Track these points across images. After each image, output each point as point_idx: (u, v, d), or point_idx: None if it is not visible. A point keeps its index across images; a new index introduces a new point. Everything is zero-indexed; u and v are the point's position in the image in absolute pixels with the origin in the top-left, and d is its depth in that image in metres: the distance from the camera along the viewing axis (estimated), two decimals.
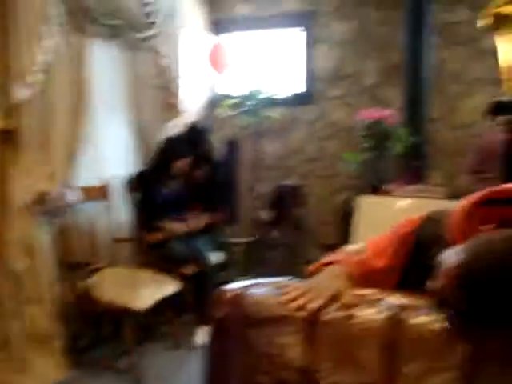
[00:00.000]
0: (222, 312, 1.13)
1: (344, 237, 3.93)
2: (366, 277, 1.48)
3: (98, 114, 3.23)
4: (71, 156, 2.96)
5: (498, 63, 3.22)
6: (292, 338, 1.02)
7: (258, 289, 1.14)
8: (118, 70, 3.43)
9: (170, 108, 3.93)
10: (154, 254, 3.31)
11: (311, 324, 1.02)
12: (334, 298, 1.07)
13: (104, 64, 3.30)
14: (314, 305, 1.04)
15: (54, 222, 2.70)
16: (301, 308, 1.03)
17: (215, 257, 3.33)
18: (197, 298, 3.34)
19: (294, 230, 3.80)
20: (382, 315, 1.00)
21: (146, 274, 3.02)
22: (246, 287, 1.14)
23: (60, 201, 2.79)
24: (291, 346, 1.01)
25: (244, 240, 4.17)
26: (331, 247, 3.98)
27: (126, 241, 3.36)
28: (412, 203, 3.56)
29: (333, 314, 1.02)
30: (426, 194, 3.57)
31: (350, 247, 1.40)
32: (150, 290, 2.80)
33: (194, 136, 3.65)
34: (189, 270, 3.26)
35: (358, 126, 3.92)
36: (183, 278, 3.25)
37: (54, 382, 2.75)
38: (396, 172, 4.01)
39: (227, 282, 3.31)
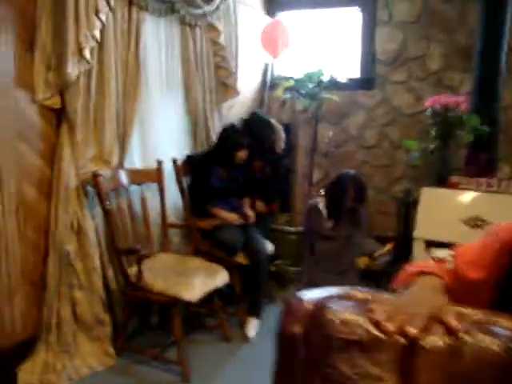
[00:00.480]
0: (296, 329, 0.95)
1: (404, 229, 3.71)
2: (459, 290, 1.27)
3: (152, 94, 3.10)
4: (123, 137, 2.85)
5: None
6: (386, 368, 0.84)
7: (338, 303, 0.95)
8: (173, 48, 3.28)
9: (226, 88, 3.77)
10: (206, 242, 3.18)
11: (410, 351, 0.83)
12: (435, 317, 0.88)
13: (159, 41, 3.16)
14: (413, 327, 0.85)
15: (103, 205, 2.59)
16: (397, 331, 0.85)
17: (269, 246, 3.17)
18: (248, 289, 3.21)
19: (351, 223, 3.58)
20: (500, 344, 0.81)
21: (196, 263, 2.89)
22: (325, 299, 0.97)
23: (110, 183, 2.68)
24: (385, 379, 0.83)
25: (297, 229, 4.00)
26: (389, 239, 3.81)
27: (177, 226, 3.25)
28: (480, 197, 3.31)
29: (437, 340, 0.83)
30: (495, 188, 3.30)
31: (436, 255, 1.20)
32: (201, 279, 2.67)
33: (257, 127, 3.49)
34: (242, 259, 3.12)
35: (425, 113, 3.65)
36: (235, 267, 3.12)
37: (102, 368, 2.69)
38: (463, 163, 3.74)
39: (280, 274, 3.16)
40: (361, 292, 1.00)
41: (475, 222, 3.18)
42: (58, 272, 2.58)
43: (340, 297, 0.99)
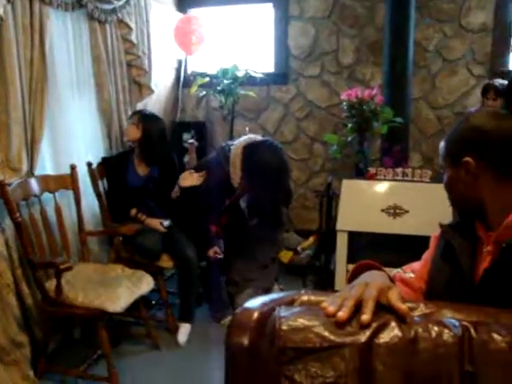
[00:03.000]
0: (245, 339, 0.89)
1: (326, 222, 3.76)
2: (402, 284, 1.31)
3: (62, 94, 2.90)
4: (32, 141, 2.62)
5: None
6: (345, 373, 0.79)
7: (286, 309, 0.90)
8: (82, 45, 3.09)
9: (140, 87, 3.62)
10: (127, 247, 3.03)
11: (366, 351, 0.80)
12: (383, 300, 0.87)
13: (67, 37, 2.96)
14: (365, 313, 0.82)
15: (15, 217, 2.37)
16: (349, 316, 0.82)
17: (193, 250, 3.06)
18: (178, 293, 3.11)
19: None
20: (456, 336, 0.80)
21: (119, 271, 2.72)
22: (273, 306, 0.91)
23: (21, 192, 2.47)
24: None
25: None
26: (312, 233, 3.85)
27: (95, 234, 3.06)
28: (397, 186, 3.44)
29: (392, 335, 0.81)
30: (410, 177, 3.44)
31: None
32: (126, 288, 2.52)
33: None
34: (166, 263, 3.01)
35: (341, 106, 3.72)
36: (159, 272, 3.01)
37: None
38: (379, 154, 3.86)
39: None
40: (306, 294, 0.96)
41: (394, 211, 3.28)
42: None
43: (286, 301, 0.94)
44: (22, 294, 2.55)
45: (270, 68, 4.47)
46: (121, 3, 3.23)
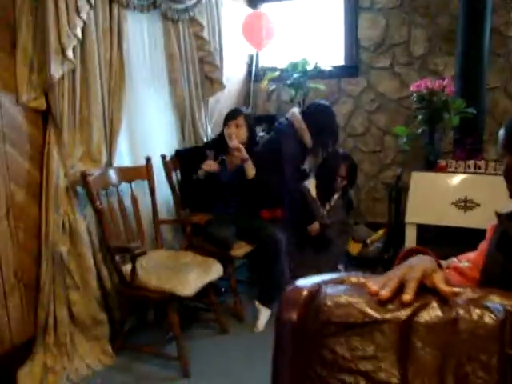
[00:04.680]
0: (294, 315, 0.96)
1: (395, 215, 3.73)
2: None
3: (138, 91, 3.08)
4: (111, 135, 2.83)
5: None
6: (383, 348, 0.84)
7: (333, 287, 0.96)
8: (156, 44, 3.26)
9: (212, 82, 3.75)
10: (198, 237, 3.18)
11: (406, 329, 0.84)
12: (427, 280, 0.89)
13: (142, 37, 3.15)
14: (407, 293, 0.85)
15: (94, 204, 2.58)
16: (392, 295, 0.85)
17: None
18: (259, 277, 3.20)
19: (343, 207, 3.61)
20: (495, 318, 0.82)
21: (190, 258, 2.88)
22: (321, 285, 0.97)
23: (100, 182, 2.67)
24: (384, 359, 0.84)
25: None
26: (381, 225, 3.82)
27: (169, 222, 3.24)
28: (468, 179, 3.34)
29: (432, 315, 0.84)
30: (482, 169, 3.33)
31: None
32: (196, 274, 2.67)
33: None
34: (237, 252, 3.12)
35: (411, 98, 3.66)
36: (229, 260, 3.13)
37: (101, 367, 2.69)
38: (451, 146, 3.76)
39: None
40: (355, 276, 1.01)
41: (465, 204, 3.20)
42: (52, 273, 2.57)
43: (335, 281, 0.99)
44: (102, 277, 2.77)
45: (340, 61, 4.46)
46: (193, 2, 3.37)
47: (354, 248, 4.02)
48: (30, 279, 2.57)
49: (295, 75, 4.04)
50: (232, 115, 3.28)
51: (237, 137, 3.19)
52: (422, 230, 3.38)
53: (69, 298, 2.63)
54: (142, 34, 3.14)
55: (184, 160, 3.31)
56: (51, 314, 2.59)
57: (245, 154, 3.12)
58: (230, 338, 3.03)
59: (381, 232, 4.07)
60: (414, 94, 3.49)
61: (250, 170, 3.19)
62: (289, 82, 4.07)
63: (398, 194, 3.75)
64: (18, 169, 2.48)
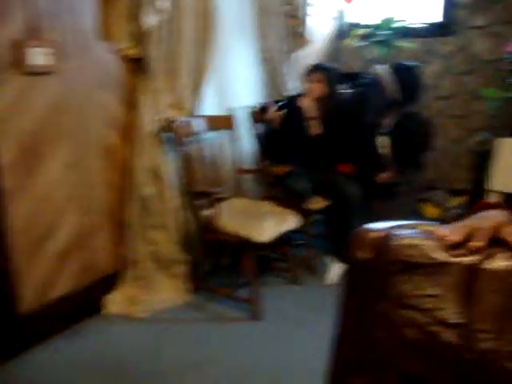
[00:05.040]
0: (364, 254, 1.01)
1: (479, 182, 3.61)
2: None
3: (224, 43, 3.15)
4: (197, 84, 2.94)
5: None
6: (448, 289, 0.88)
7: (405, 230, 1.00)
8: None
9: (297, 37, 3.75)
10: (278, 187, 3.26)
11: (472, 273, 0.87)
12: (497, 232, 0.89)
13: None
14: (477, 239, 0.87)
15: (179, 150, 2.72)
16: (461, 240, 0.88)
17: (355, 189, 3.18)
18: (333, 231, 3.26)
19: (416, 168, 3.54)
20: None
21: (268, 207, 2.98)
22: (392, 228, 1.01)
23: (186, 129, 2.80)
24: (446, 299, 0.88)
25: None
26: (463, 192, 3.70)
27: (249, 172, 3.34)
28: None
29: (500, 262, 0.86)
30: None
31: None
32: (273, 222, 2.76)
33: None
34: (315, 205, 3.17)
35: (505, 59, 3.47)
36: (306, 213, 3.19)
37: (179, 302, 2.89)
38: None
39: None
40: (427, 224, 1.03)
41: None
42: (138, 213, 2.77)
43: (406, 226, 1.03)
44: (183, 219, 2.94)
45: (432, 18, 4.27)
46: None
47: (433, 212, 3.95)
48: (119, 216, 2.79)
49: (383, 33, 3.93)
50: (311, 70, 3.29)
51: (313, 91, 3.23)
52: (507, 198, 3.26)
53: (152, 236, 2.83)
54: None
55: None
56: (135, 249, 2.81)
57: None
58: (300, 288, 3.13)
59: (461, 198, 3.96)
60: (508, 55, 3.31)
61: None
62: (377, 39, 3.97)
63: (483, 161, 3.61)
64: (111, 113, 2.66)
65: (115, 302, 2.79)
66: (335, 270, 3.16)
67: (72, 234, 2.58)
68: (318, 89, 3.23)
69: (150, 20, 2.55)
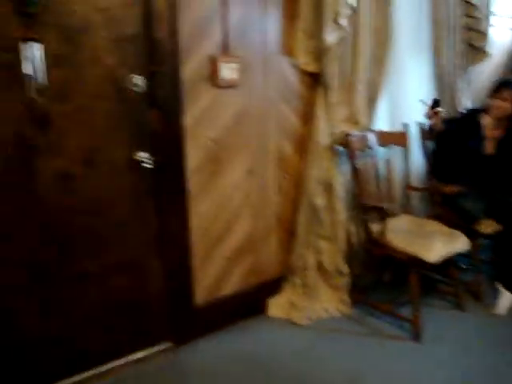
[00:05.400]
0: None
1: None
2: None
3: (400, 57, 3.12)
4: (372, 99, 2.96)
5: None
6: None
7: None
8: (423, 10, 3.24)
9: (475, 51, 3.58)
10: (445, 207, 3.15)
11: None
12: None
13: (410, 3, 3.16)
14: None
15: (352, 164, 2.77)
16: None
17: None
18: (496, 260, 3.09)
19: None
20: None
21: (436, 227, 2.90)
22: None
23: (359, 143, 2.84)
24: None
25: None
26: None
27: (419, 189, 3.27)
28: None
29: None
30: None
31: None
32: (442, 242, 2.68)
33: None
34: (484, 228, 3.01)
35: None
36: (475, 236, 3.03)
37: (338, 314, 2.93)
38: None
39: None
40: None
41: None
42: (307, 222, 2.87)
43: None
44: (349, 232, 2.98)
45: None
46: None
47: None
48: (288, 224, 2.92)
49: None
50: (501, 86, 3.03)
51: (499, 109, 3.01)
52: None
53: (318, 246, 2.91)
54: (408, 1, 3.15)
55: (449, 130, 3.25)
56: (301, 257, 2.91)
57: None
58: (466, 314, 2.98)
59: None
60: None
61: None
62: None
63: None
64: (288, 124, 2.80)
65: (278, 305, 2.92)
66: (504, 301, 2.96)
67: (245, 237, 2.77)
68: (505, 107, 3.03)
69: (330, 37, 2.65)
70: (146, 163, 2.26)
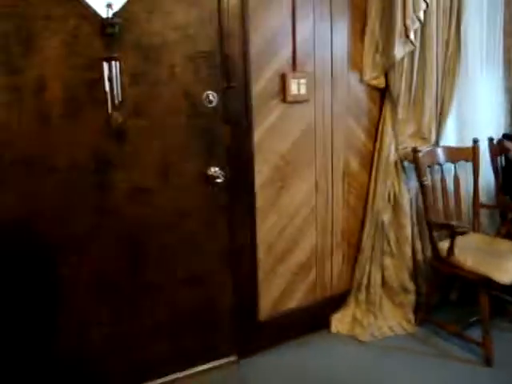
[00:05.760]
0: None
1: None
2: None
3: (470, 71, 3.04)
4: (441, 115, 2.91)
5: None
6: None
7: None
8: (495, 22, 3.15)
9: None
10: None
11: None
12: None
13: (481, 15, 3.07)
14: None
15: (420, 180, 2.72)
16: None
17: None
18: None
19: None
20: None
21: (508, 246, 2.80)
22: None
23: (427, 159, 2.79)
24: None
25: None
26: None
27: (488, 207, 3.17)
28: None
29: None
30: None
31: None
32: None
33: None
34: None
35: None
36: None
37: (402, 332, 2.88)
38: None
39: None
40: None
41: None
42: (373, 238, 2.85)
43: None
44: (415, 249, 2.93)
45: None
46: None
47: None
48: (353, 240, 2.92)
49: None
50: None
51: None
52: None
53: (383, 262, 2.87)
54: (481, 11, 3.07)
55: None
56: (366, 274, 2.89)
57: None
58: None
59: None
60: None
61: None
62: None
63: None
64: (355, 140, 2.80)
65: (342, 321, 2.90)
66: None
67: (310, 252, 2.78)
68: None
69: (398, 52, 2.63)
70: (218, 178, 2.31)
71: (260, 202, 2.53)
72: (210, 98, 2.26)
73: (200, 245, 2.39)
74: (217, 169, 2.32)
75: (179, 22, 2.14)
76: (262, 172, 2.50)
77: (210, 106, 2.27)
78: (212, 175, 2.31)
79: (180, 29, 2.15)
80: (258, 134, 2.44)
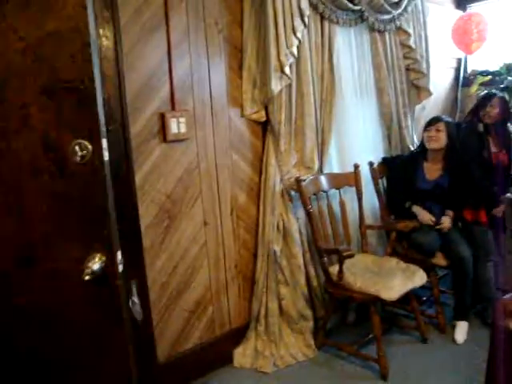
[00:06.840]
0: (507, 322, 1.01)
1: None
2: None
3: (346, 101, 3.23)
4: (322, 144, 3.04)
5: None
6: None
7: None
8: (364, 55, 3.38)
9: (418, 90, 3.74)
10: (402, 243, 3.21)
11: None
12: None
13: (350, 50, 3.29)
14: None
15: (306, 208, 2.81)
16: None
17: (467, 250, 3.05)
18: (454, 291, 3.16)
19: None
20: None
21: (394, 263, 2.95)
22: None
23: (313, 187, 2.89)
24: None
25: None
26: None
27: (374, 228, 3.33)
28: None
29: None
30: None
31: None
32: (400, 279, 2.72)
33: None
34: (440, 260, 3.08)
35: None
36: (432, 269, 3.10)
37: (304, 358, 2.91)
38: None
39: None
40: None
41: None
42: (266, 269, 2.87)
43: None
44: (309, 276, 2.99)
45: None
46: (399, 11, 3.41)
47: None
48: (247, 272, 2.92)
49: (509, 78, 3.80)
50: (432, 122, 3.26)
51: (436, 140, 3.19)
52: None
53: (279, 292, 2.90)
54: (350, 47, 3.28)
55: (395, 167, 3.39)
56: (263, 304, 2.90)
57: None
58: (429, 346, 3.00)
59: None
60: None
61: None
62: (502, 85, 3.83)
63: None
64: (240, 174, 2.83)
65: (244, 354, 2.88)
66: (460, 329, 3.03)
67: (205, 288, 2.74)
68: (440, 137, 3.20)
69: (275, 86, 2.72)
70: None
71: (148, 242, 2.47)
72: (82, 147, 1.34)
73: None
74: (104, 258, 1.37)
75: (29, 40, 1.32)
76: (147, 213, 2.45)
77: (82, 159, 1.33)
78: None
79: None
80: (139, 176, 2.39)
